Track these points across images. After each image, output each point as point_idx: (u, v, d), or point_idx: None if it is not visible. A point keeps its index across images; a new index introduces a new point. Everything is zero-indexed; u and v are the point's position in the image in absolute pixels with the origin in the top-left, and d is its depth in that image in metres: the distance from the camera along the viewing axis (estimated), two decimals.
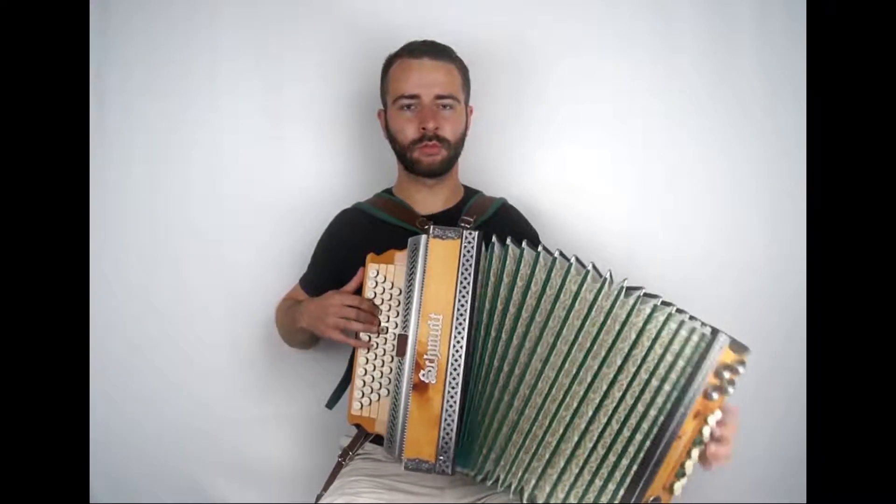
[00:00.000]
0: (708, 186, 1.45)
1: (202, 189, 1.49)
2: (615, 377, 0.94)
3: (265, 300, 1.42)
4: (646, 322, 0.94)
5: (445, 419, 1.00)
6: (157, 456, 1.49)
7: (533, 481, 0.97)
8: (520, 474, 0.99)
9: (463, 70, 1.29)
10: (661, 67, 1.46)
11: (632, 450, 0.93)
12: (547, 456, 0.97)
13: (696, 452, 0.94)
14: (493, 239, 1.03)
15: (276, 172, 1.49)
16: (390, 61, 1.29)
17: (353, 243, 1.24)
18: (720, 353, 0.92)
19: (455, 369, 1.00)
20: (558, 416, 0.97)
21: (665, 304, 0.95)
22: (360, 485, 1.10)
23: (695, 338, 0.93)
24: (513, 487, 0.99)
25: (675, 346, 0.93)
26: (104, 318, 1.46)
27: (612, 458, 0.93)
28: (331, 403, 1.24)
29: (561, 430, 0.96)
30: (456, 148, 1.27)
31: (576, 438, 0.95)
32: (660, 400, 0.92)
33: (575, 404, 0.96)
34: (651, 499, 0.93)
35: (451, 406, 1.00)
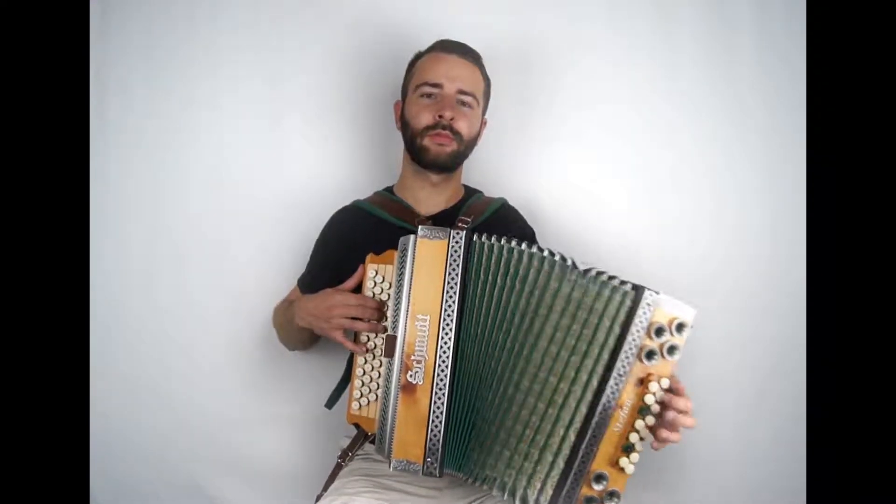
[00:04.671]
0: (708, 186, 1.45)
1: (202, 188, 1.49)
2: (569, 358, 0.94)
3: (265, 300, 1.42)
4: (594, 299, 0.94)
5: (433, 420, 0.99)
6: (157, 456, 1.49)
7: (524, 481, 0.96)
8: (513, 475, 0.97)
9: (486, 79, 1.31)
10: (662, 67, 1.46)
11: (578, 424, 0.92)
12: (536, 454, 0.96)
13: (641, 424, 0.91)
14: (482, 238, 1.01)
15: (276, 171, 1.49)
16: (419, 55, 1.31)
17: (352, 242, 1.24)
18: (652, 313, 0.91)
19: (442, 370, 0.99)
20: (545, 412, 0.96)
21: (607, 275, 0.94)
22: (359, 485, 1.10)
23: (618, 297, 0.92)
24: (506, 488, 0.98)
25: (608, 309, 0.92)
26: (104, 317, 1.46)
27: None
28: (330, 403, 1.24)
29: (549, 427, 0.95)
30: (467, 146, 1.27)
31: (561, 432, 0.94)
32: (589, 363, 0.92)
33: (560, 400, 0.95)
34: (594, 474, 0.90)
35: (438, 407, 0.99)
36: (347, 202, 1.35)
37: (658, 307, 0.91)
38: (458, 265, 1.00)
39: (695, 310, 0.92)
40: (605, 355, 0.92)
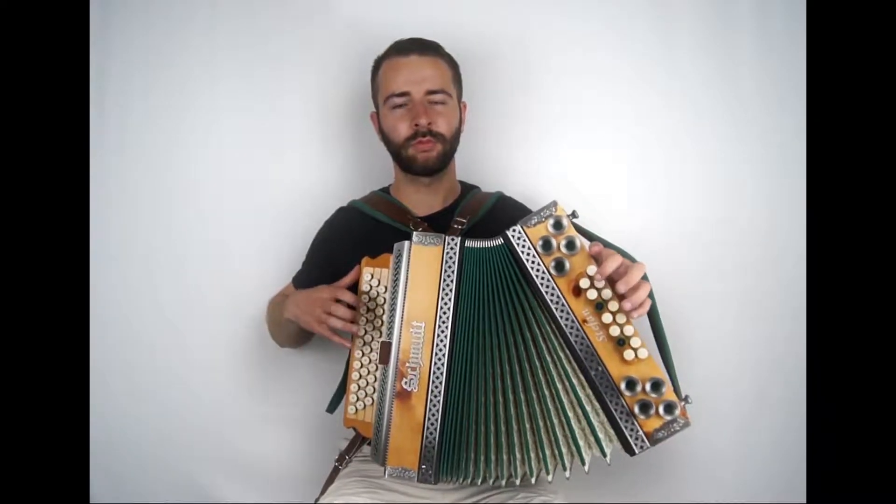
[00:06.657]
0: (707, 185, 1.45)
1: (202, 188, 1.49)
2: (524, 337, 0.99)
3: (265, 300, 1.41)
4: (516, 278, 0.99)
5: (428, 427, 0.99)
6: (157, 455, 1.49)
7: (529, 468, 0.98)
8: (516, 465, 0.98)
9: (452, 65, 1.28)
10: (661, 66, 1.46)
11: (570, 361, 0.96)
12: (544, 438, 0.97)
13: (609, 316, 0.93)
14: (476, 243, 1.02)
15: (276, 172, 1.49)
16: (378, 62, 1.28)
17: (348, 242, 1.23)
18: (524, 236, 0.96)
19: (437, 377, 0.99)
20: (539, 400, 0.98)
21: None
22: (358, 486, 1.10)
23: (505, 258, 0.98)
24: (518, 476, 0.99)
25: (508, 272, 0.98)
26: (104, 317, 1.46)
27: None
28: (331, 407, 1.23)
29: (558, 406, 0.97)
30: (451, 143, 1.25)
31: (573, 396, 0.97)
32: (534, 324, 0.97)
33: (545, 377, 0.98)
34: (622, 385, 0.92)
35: (433, 414, 0.99)
36: (346, 202, 1.35)
37: (525, 227, 0.96)
38: (452, 272, 1.00)
39: (551, 200, 0.96)
40: (535, 302, 0.96)
